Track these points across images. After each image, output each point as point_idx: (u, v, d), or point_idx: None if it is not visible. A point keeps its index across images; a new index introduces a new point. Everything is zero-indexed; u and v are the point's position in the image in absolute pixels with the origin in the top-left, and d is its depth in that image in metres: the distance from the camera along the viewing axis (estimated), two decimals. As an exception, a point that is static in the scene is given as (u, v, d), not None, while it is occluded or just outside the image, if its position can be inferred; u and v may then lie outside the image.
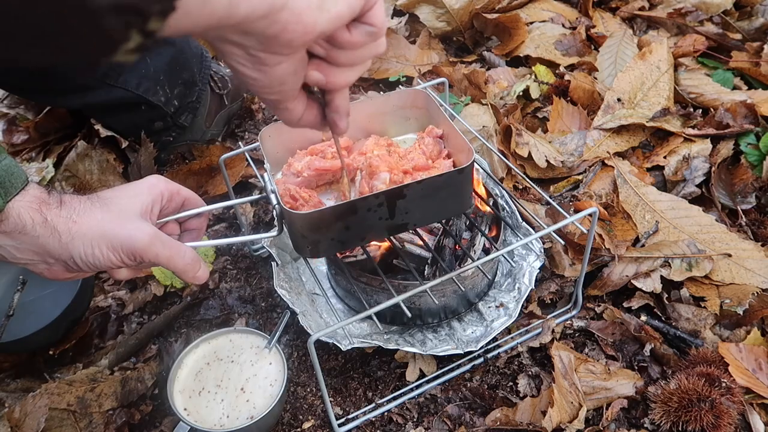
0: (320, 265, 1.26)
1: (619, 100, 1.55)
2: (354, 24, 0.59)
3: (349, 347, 1.04)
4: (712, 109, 1.53)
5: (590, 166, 1.46)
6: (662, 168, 1.44)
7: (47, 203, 0.71)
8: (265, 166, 0.96)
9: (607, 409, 1.04)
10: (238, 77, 0.59)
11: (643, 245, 1.27)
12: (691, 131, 1.48)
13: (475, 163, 0.97)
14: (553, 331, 1.15)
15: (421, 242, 1.12)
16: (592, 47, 1.80)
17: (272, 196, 0.86)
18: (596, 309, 1.20)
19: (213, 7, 0.46)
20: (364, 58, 0.64)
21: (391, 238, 1.06)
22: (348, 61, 0.63)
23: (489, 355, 1.13)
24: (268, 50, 0.55)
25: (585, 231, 1.03)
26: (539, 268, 1.18)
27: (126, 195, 0.77)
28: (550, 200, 1.08)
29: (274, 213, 0.88)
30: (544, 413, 1.01)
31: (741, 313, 1.14)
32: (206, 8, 0.46)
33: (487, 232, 1.16)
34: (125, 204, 0.76)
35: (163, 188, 0.81)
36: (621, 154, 1.48)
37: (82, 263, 0.72)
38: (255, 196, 0.99)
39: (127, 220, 0.74)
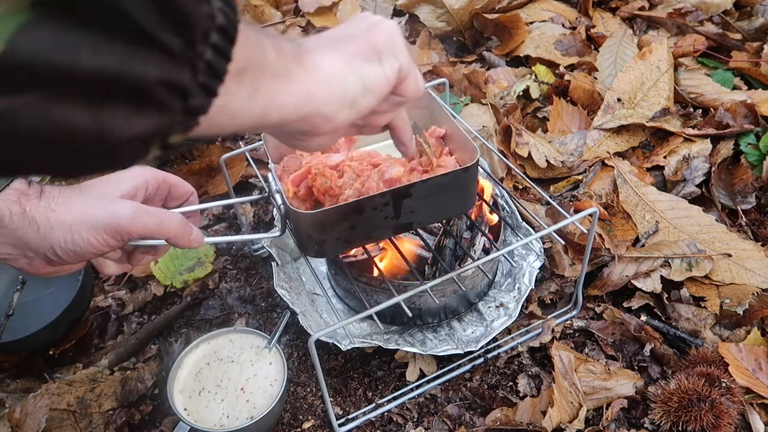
0: (320, 265, 1.26)
1: (619, 100, 1.55)
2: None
3: (349, 347, 1.04)
4: (712, 109, 1.53)
5: (590, 166, 1.46)
6: (662, 168, 1.44)
7: (26, 194, 0.68)
8: (269, 165, 0.96)
9: (607, 409, 1.04)
10: None
11: (643, 245, 1.27)
12: (691, 131, 1.48)
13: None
14: (553, 331, 1.15)
15: (421, 242, 1.12)
16: (592, 47, 1.80)
17: (277, 196, 0.86)
18: (596, 309, 1.20)
19: (243, 119, 0.46)
20: (398, 109, 0.67)
21: (392, 239, 1.06)
22: (382, 117, 0.66)
23: (489, 355, 1.13)
24: (301, 136, 0.58)
25: (585, 231, 1.03)
26: (539, 268, 1.18)
27: (107, 182, 0.74)
28: (550, 200, 1.08)
29: (275, 213, 0.88)
30: (544, 413, 1.01)
31: (741, 313, 1.14)
32: (235, 120, 0.46)
33: (487, 231, 1.16)
34: (106, 189, 0.73)
35: (148, 176, 0.78)
36: (621, 154, 1.48)
37: (63, 252, 0.68)
38: (255, 196, 0.99)
39: (107, 202, 0.71)
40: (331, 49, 0.56)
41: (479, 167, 1.18)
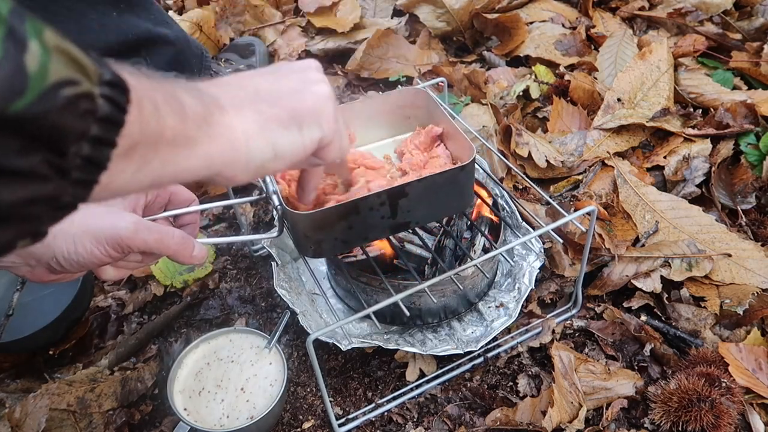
0: (320, 265, 1.26)
1: (619, 100, 1.55)
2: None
3: (349, 347, 1.04)
4: (712, 109, 1.53)
5: (590, 166, 1.46)
6: (662, 168, 1.44)
7: None
8: None
9: (607, 409, 1.04)
10: None
11: (643, 245, 1.27)
12: (691, 131, 1.48)
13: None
14: (553, 331, 1.15)
15: (420, 242, 1.12)
16: (592, 47, 1.80)
17: (274, 197, 0.86)
18: (596, 309, 1.20)
19: (130, 189, 0.45)
20: (315, 168, 0.69)
21: (391, 239, 1.06)
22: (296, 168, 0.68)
23: (489, 355, 1.13)
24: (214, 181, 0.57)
25: (584, 230, 1.03)
26: (539, 268, 1.18)
27: None
28: (550, 200, 1.08)
29: (275, 213, 0.88)
30: (544, 413, 1.01)
31: (741, 313, 1.14)
32: (122, 191, 0.45)
33: (486, 232, 1.16)
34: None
35: None
36: (621, 154, 1.48)
37: (66, 262, 0.69)
38: (255, 197, 0.99)
39: (108, 213, 0.71)
40: (249, 109, 0.55)
41: (479, 168, 1.18)
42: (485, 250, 1.15)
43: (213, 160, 0.51)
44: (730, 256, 1.21)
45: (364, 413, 1.07)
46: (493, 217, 1.18)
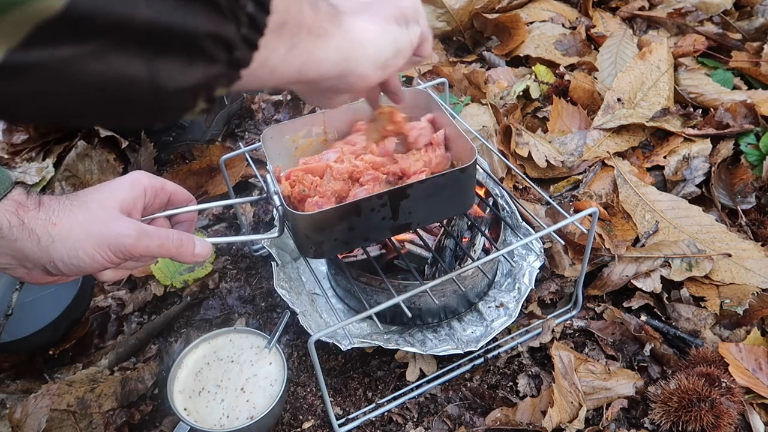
0: (320, 265, 1.26)
1: (619, 100, 1.55)
2: None
3: (349, 347, 1.04)
4: (712, 109, 1.53)
5: (590, 166, 1.46)
6: (662, 168, 1.44)
7: (24, 206, 0.68)
8: (267, 167, 0.96)
9: (607, 409, 1.04)
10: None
11: (643, 245, 1.27)
12: (691, 131, 1.48)
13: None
14: (553, 331, 1.15)
15: (421, 242, 1.12)
16: (592, 47, 1.80)
17: (275, 198, 0.86)
18: (596, 309, 1.20)
19: (282, 73, 0.50)
20: (408, 67, 0.76)
21: (392, 239, 1.06)
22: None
23: (489, 355, 1.13)
24: (331, 94, 0.63)
25: (585, 231, 1.03)
26: (539, 268, 1.18)
27: (107, 191, 0.74)
28: (550, 200, 1.08)
29: (275, 214, 0.87)
30: (544, 413, 1.01)
31: (741, 313, 1.14)
32: (275, 75, 0.49)
33: (487, 232, 1.16)
34: (106, 202, 0.72)
35: (146, 184, 0.77)
36: (621, 154, 1.48)
37: (65, 266, 0.69)
38: (255, 197, 0.99)
39: (109, 219, 0.71)
40: (364, 14, 0.60)
41: (480, 168, 1.18)
42: (485, 250, 1.15)
43: (347, 54, 0.56)
44: (730, 256, 1.22)
45: (364, 413, 1.07)
46: (492, 216, 1.18)
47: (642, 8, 1.91)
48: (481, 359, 1.12)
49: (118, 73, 0.37)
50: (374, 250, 1.14)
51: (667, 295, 1.19)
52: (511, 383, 1.10)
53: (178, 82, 0.40)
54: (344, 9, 0.59)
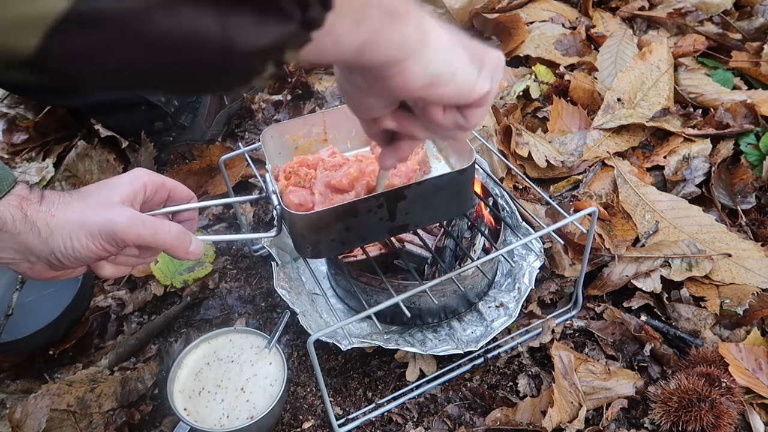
0: (320, 265, 1.26)
1: (619, 100, 1.55)
2: (451, 108, 0.62)
3: (349, 347, 1.04)
4: (712, 109, 1.53)
5: (590, 166, 1.46)
6: (662, 168, 1.44)
7: (28, 199, 0.69)
8: (266, 167, 0.96)
9: (607, 409, 1.04)
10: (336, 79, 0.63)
11: (643, 245, 1.27)
12: (691, 131, 1.48)
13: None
14: (553, 331, 1.15)
15: (421, 242, 1.12)
16: (592, 47, 1.80)
17: (273, 197, 0.86)
18: (596, 309, 1.20)
19: (343, 46, 0.48)
20: (443, 136, 0.67)
21: (392, 239, 1.06)
22: (426, 128, 0.65)
23: (489, 355, 1.13)
24: (370, 83, 0.58)
25: (585, 231, 1.03)
26: (539, 268, 1.18)
27: (106, 186, 0.74)
28: (550, 200, 1.08)
29: (274, 213, 0.88)
30: (544, 413, 1.01)
31: (741, 313, 1.14)
32: (337, 47, 0.48)
33: (486, 232, 1.16)
34: (104, 194, 0.73)
35: (146, 180, 0.77)
36: (621, 154, 1.48)
37: (63, 257, 0.69)
38: (254, 196, 0.99)
39: (104, 208, 0.71)
40: (446, 32, 0.57)
41: (480, 168, 1.18)
42: (485, 250, 1.15)
43: (406, 44, 0.53)
44: (730, 256, 1.21)
45: (364, 413, 1.07)
46: (492, 219, 1.18)
47: (642, 8, 1.91)
48: (481, 359, 1.12)
49: (190, 29, 0.36)
50: (374, 250, 1.14)
51: (667, 295, 1.19)
52: (511, 383, 1.10)
53: (251, 41, 0.38)
54: (429, 16, 0.56)
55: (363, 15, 0.47)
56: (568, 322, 1.18)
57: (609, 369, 1.09)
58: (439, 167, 1.04)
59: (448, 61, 0.56)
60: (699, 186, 1.38)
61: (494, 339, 1.13)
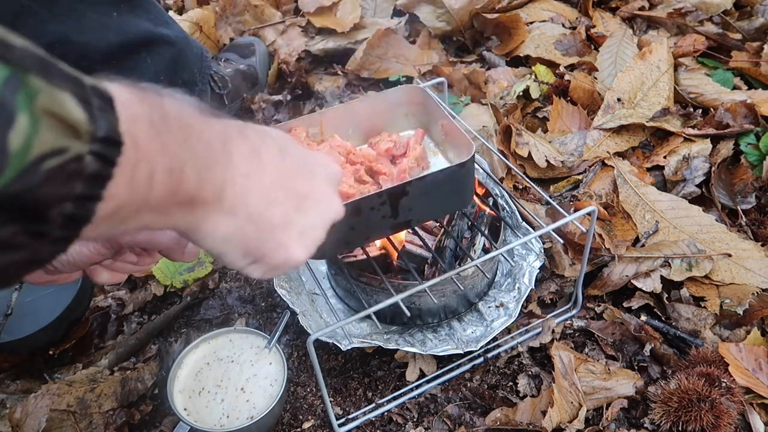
0: (320, 265, 1.26)
1: (619, 100, 1.55)
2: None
3: (349, 347, 1.04)
4: (712, 109, 1.53)
5: (590, 166, 1.46)
6: (662, 168, 1.44)
7: None
8: None
9: (607, 409, 1.04)
10: None
11: (643, 245, 1.27)
12: (691, 131, 1.48)
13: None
14: (553, 331, 1.15)
15: (421, 242, 1.12)
16: (592, 47, 1.80)
17: None
18: (596, 309, 1.20)
19: (115, 231, 0.45)
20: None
21: (391, 239, 1.06)
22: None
23: (489, 355, 1.13)
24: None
25: (584, 230, 1.03)
26: (539, 268, 1.18)
27: None
28: (550, 200, 1.08)
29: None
30: (544, 413, 1.01)
31: (741, 313, 1.14)
32: (109, 232, 0.44)
33: (486, 232, 1.16)
34: None
35: None
36: (621, 154, 1.48)
37: (57, 261, 0.66)
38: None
39: None
40: (239, 213, 0.53)
41: (479, 167, 1.18)
42: (485, 250, 1.15)
43: (177, 229, 0.51)
44: (730, 256, 1.21)
45: (364, 413, 1.07)
46: (493, 213, 1.18)
47: (642, 8, 1.91)
48: (481, 359, 1.12)
49: None
50: (374, 250, 1.14)
51: (667, 295, 1.19)
52: (511, 383, 1.10)
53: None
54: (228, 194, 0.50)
55: (124, 220, 0.43)
56: (568, 322, 1.18)
57: (609, 369, 1.09)
58: (438, 162, 1.05)
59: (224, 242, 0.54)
60: (699, 186, 1.38)
61: (494, 339, 1.13)
